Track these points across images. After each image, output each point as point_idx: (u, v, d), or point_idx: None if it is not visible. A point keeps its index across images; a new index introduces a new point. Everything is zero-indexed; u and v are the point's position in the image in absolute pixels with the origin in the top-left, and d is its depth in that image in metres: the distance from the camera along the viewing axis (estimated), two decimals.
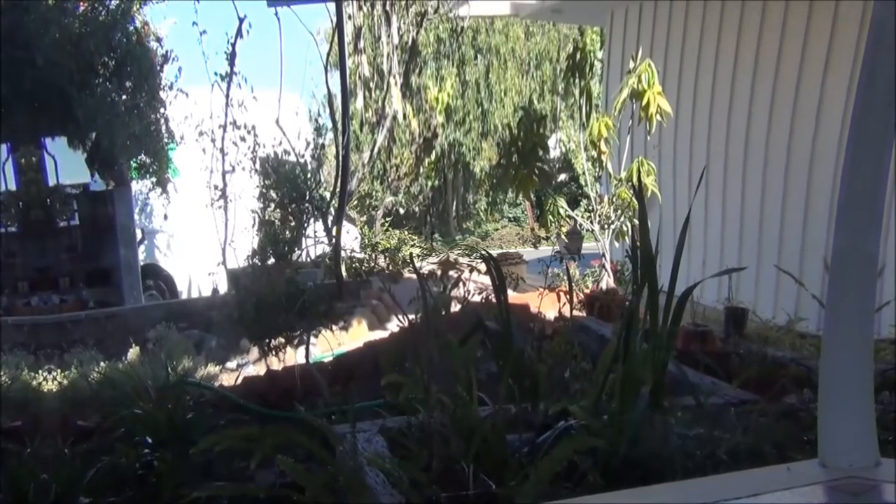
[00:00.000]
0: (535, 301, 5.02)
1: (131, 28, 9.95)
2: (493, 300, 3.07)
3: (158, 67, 10.36)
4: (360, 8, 9.16)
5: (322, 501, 2.02)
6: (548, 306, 4.60)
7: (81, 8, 9.44)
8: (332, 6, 9.26)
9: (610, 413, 2.26)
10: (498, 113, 22.80)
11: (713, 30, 7.56)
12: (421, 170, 19.93)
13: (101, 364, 4.65)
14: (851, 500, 1.42)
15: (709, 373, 2.99)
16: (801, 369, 2.87)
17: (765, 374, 2.79)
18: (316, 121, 13.61)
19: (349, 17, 9.19)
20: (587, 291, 6.28)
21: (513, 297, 5.21)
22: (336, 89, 9.91)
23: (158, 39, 10.73)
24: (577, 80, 7.05)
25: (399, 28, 10.23)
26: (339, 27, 9.04)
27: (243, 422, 3.23)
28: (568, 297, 3.70)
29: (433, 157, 20.87)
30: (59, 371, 4.30)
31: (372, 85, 11.88)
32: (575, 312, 4.54)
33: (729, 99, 7.31)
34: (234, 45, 9.51)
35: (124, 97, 9.71)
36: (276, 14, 9.56)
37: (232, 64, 9.57)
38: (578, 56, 7.07)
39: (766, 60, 6.75)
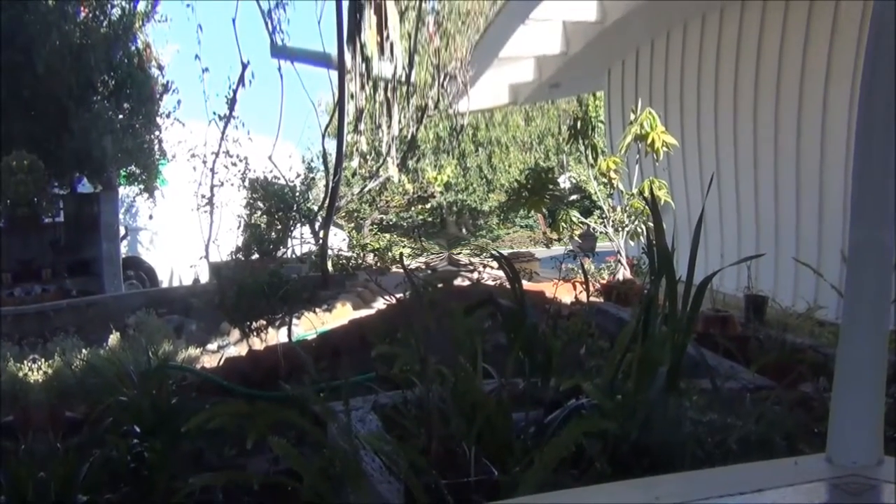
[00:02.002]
0: (550, 290, 5.08)
1: (133, 48, 10.32)
2: (507, 286, 2.95)
3: (158, 96, 10.83)
4: (362, 87, 9.18)
5: (318, 489, 2.05)
6: (563, 295, 4.67)
7: (82, 14, 9.65)
8: (334, 77, 9.26)
9: (624, 393, 2.29)
10: (504, 177, 23.62)
11: (713, 35, 7.81)
12: (412, 209, 20.18)
13: (84, 351, 4.79)
14: (851, 499, 1.47)
15: (728, 356, 3.06)
16: (819, 356, 2.94)
17: (783, 360, 2.86)
18: (308, 164, 14.13)
19: (352, 97, 9.25)
20: (604, 281, 6.37)
21: (527, 285, 5.27)
22: (331, 149, 10.10)
23: (160, 67, 11.10)
24: (581, 142, 7.58)
25: (399, 122, 10.31)
26: (340, 105, 9.07)
27: (229, 404, 3.30)
28: (584, 286, 3.74)
29: (428, 206, 21.44)
30: (43, 360, 4.44)
31: (369, 158, 12.10)
32: (592, 300, 4.58)
33: (733, 104, 7.59)
34: (235, 92, 9.75)
35: (121, 117, 10.16)
36: (279, 69, 9.77)
37: (231, 109, 9.85)
38: (580, 125, 7.60)
39: (768, 61, 6.98)
